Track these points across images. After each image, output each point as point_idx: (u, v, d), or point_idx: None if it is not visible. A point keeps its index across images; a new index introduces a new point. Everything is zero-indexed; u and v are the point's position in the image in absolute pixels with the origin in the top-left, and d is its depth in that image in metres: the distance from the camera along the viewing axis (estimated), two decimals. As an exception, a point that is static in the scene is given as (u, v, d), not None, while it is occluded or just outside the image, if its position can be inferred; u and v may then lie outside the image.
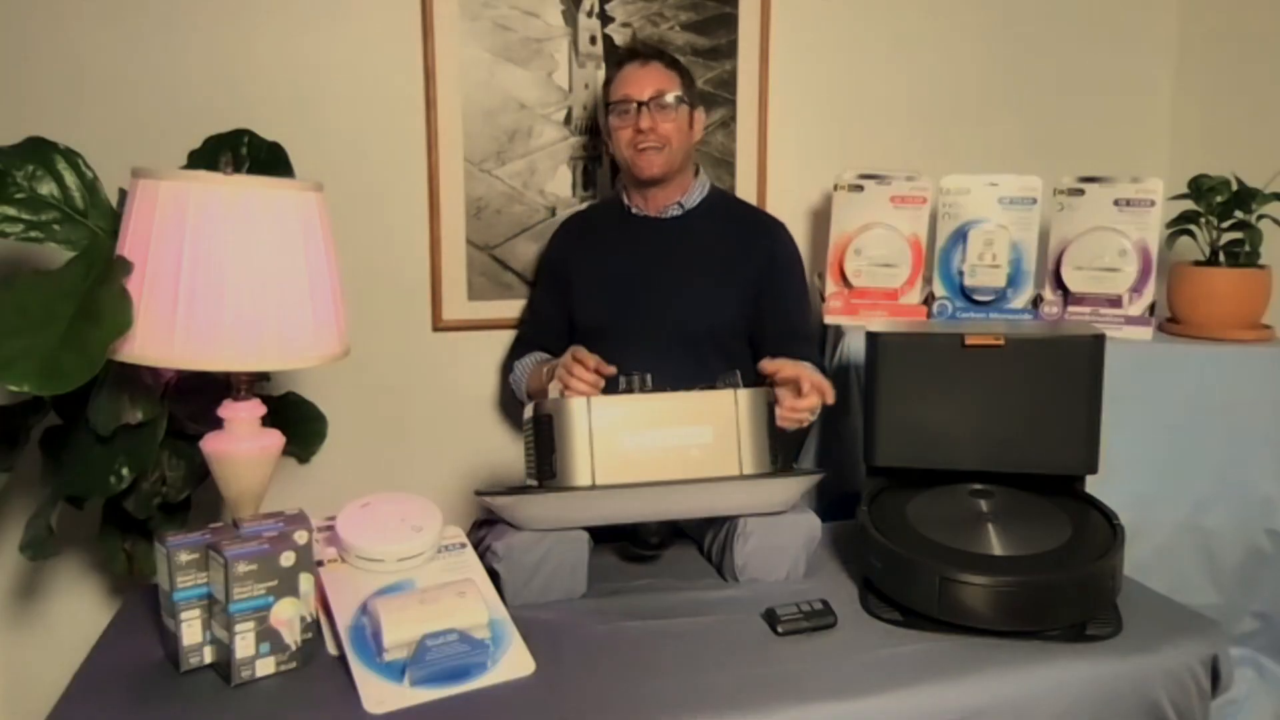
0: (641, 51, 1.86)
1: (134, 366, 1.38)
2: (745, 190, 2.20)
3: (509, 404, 2.13)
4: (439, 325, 2.07)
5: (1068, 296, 1.99)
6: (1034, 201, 1.99)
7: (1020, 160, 2.18)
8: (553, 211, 2.09)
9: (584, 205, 2.10)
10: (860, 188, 2.04)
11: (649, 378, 1.51)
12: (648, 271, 1.87)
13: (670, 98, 1.81)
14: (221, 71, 1.87)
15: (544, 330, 1.99)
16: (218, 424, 1.42)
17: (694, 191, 1.92)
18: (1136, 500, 1.79)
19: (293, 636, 1.22)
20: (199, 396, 1.54)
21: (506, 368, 2.03)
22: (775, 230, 1.95)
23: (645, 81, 1.81)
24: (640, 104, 1.80)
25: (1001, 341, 1.48)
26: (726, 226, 1.91)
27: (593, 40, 2.06)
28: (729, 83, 2.16)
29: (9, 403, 1.61)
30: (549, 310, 1.98)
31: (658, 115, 1.80)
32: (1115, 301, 1.96)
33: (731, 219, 1.94)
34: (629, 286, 1.87)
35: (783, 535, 1.52)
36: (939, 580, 1.32)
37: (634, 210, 1.92)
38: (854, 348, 1.95)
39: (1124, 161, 2.33)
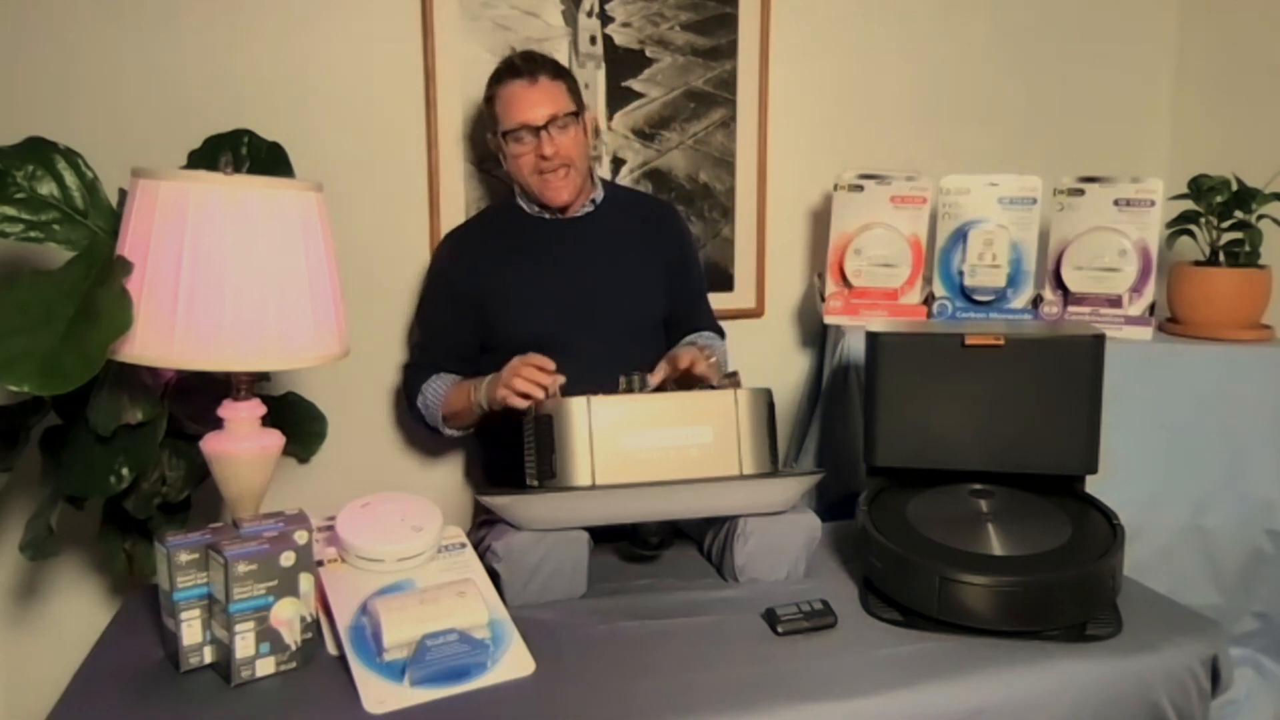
0: (523, 69, 1.72)
1: (134, 366, 1.38)
2: (745, 190, 2.19)
3: (426, 437, 1.97)
4: (439, 325, 2.07)
5: (1068, 296, 1.99)
6: (1034, 201, 1.99)
7: (1020, 160, 2.18)
8: (553, 211, 2.09)
9: (465, 220, 1.96)
10: (860, 188, 2.04)
11: (648, 378, 1.51)
12: (577, 271, 1.80)
13: (566, 116, 1.72)
14: (221, 71, 1.87)
15: (445, 352, 1.83)
16: (218, 424, 1.42)
17: (598, 188, 1.88)
18: (1137, 500, 1.79)
19: (293, 636, 1.22)
20: (199, 396, 1.54)
21: (406, 394, 1.87)
22: (672, 212, 2.00)
23: (538, 103, 1.71)
24: (538, 129, 1.71)
25: (1001, 341, 1.48)
26: (633, 214, 1.90)
27: (593, 40, 2.06)
28: (729, 83, 2.16)
29: (9, 403, 1.61)
30: (452, 331, 1.82)
31: (559, 137, 1.71)
32: (1115, 301, 1.96)
33: (635, 207, 1.93)
34: (562, 289, 1.79)
35: (783, 535, 1.52)
36: (939, 580, 1.33)
37: (546, 216, 1.84)
38: (854, 348, 1.95)
39: (1124, 161, 2.32)
